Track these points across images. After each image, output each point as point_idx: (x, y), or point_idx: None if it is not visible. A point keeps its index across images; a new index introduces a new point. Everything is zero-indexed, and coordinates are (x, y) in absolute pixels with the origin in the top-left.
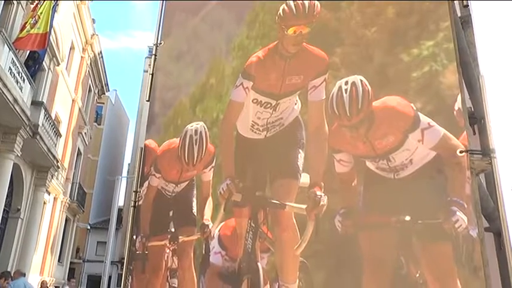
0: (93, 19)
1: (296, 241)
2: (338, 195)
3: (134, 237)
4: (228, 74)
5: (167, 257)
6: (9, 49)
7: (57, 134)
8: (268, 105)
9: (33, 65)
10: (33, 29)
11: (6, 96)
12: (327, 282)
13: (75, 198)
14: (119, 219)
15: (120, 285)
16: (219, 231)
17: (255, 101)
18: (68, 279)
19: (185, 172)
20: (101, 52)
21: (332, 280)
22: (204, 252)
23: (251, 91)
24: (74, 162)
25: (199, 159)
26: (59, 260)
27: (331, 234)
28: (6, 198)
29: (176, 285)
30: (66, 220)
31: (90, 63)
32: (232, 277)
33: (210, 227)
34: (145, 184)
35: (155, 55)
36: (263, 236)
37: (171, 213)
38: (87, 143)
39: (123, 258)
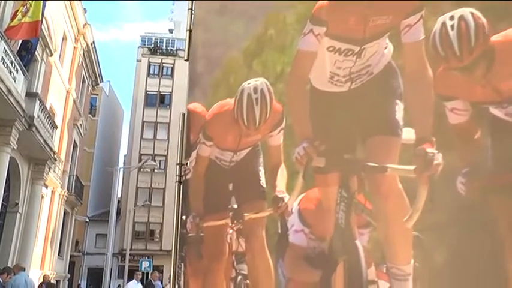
0: (84, 9)
1: (405, 211)
2: (456, 151)
3: (184, 217)
4: (290, 22)
5: (231, 238)
6: (1, 38)
7: (53, 126)
8: (350, 52)
9: (26, 55)
10: (24, 18)
11: None
12: (452, 259)
13: (72, 191)
14: (117, 211)
15: (122, 277)
16: (298, 204)
17: (331, 48)
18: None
19: (245, 137)
20: (93, 42)
21: (459, 257)
22: (280, 231)
23: (324, 38)
24: (71, 154)
25: (263, 121)
26: (58, 254)
27: (452, 200)
28: (4, 193)
29: (246, 272)
30: (64, 213)
31: (83, 54)
32: (322, 259)
33: (285, 200)
34: (193, 155)
35: (191, 9)
36: (360, 208)
37: (230, 187)
38: (82, 134)
39: (124, 250)
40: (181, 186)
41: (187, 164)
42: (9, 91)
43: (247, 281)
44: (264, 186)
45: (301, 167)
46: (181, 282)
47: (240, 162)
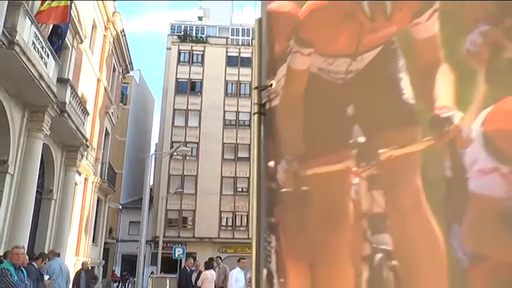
0: None
1: None
2: None
3: (271, 164)
4: None
5: (357, 192)
6: (32, 23)
7: (85, 113)
8: None
9: (56, 41)
10: (54, 2)
11: (31, 71)
12: None
13: (105, 178)
14: (150, 199)
15: (156, 264)
16: (482, 126)
17: None
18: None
19: (369, 33)
20: (123, 30)
21: None
22: (449, 174)
23: None
24: (103, 142)
25: (399, 6)
26: (93, 241)
27: None
28: (38, 179)
29: (390, 247)
30: (98, 201)
31: (113, 42)
32: None
33: (455, 121)
34: (281, 71)
35: None
36: None
37: (350, 110)
38: (114, 122)
39: (157, 237)
40: (263, 118)
41: (271, 85)
42: (41, 76)
43: (393, 262)
44: (413, 101)
45: (480, 64)
46: (272, 265)
47: (365, 71)
